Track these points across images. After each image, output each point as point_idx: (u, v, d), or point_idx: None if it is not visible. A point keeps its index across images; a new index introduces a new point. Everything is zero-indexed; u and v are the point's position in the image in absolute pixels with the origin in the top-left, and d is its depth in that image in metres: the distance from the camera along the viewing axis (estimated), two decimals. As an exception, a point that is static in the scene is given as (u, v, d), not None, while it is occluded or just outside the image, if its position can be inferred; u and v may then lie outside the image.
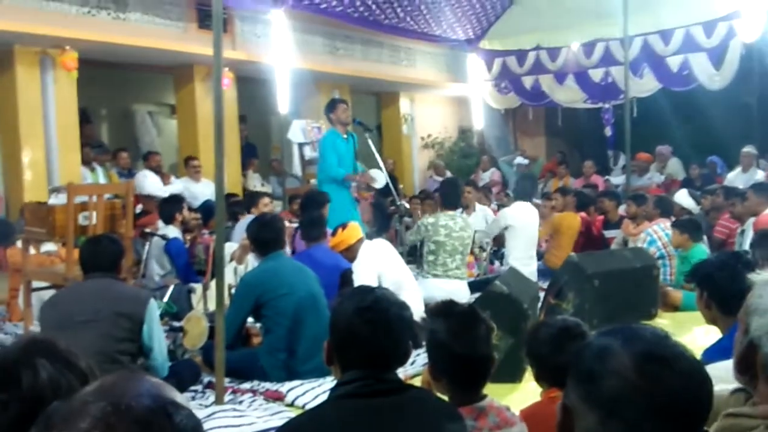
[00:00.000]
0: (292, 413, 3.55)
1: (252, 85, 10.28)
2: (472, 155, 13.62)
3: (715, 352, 2.36)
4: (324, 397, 2.09)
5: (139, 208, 7.62)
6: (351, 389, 1.87)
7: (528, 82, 12.71)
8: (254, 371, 4.35)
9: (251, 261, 5.67)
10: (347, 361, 1.93)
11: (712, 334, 2.97)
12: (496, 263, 7.69)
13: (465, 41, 12.34)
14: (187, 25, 8.96)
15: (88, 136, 9.11)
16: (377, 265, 5.07)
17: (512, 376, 4.05)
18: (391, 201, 9.60)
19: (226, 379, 4.03)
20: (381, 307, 1.94)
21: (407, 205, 8.81)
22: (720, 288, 2.72)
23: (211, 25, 4.01)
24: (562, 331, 2.41)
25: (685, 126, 12.81)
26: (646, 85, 11.44)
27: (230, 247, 5.91)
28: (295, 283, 4.40)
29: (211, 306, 5.21)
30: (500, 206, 7.75)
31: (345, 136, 7.06)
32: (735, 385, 1.53)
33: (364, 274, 4.94)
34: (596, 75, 12.04)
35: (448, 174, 12.48)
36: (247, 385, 4.28)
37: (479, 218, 8.44)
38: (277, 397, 4.08)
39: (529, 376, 2.97)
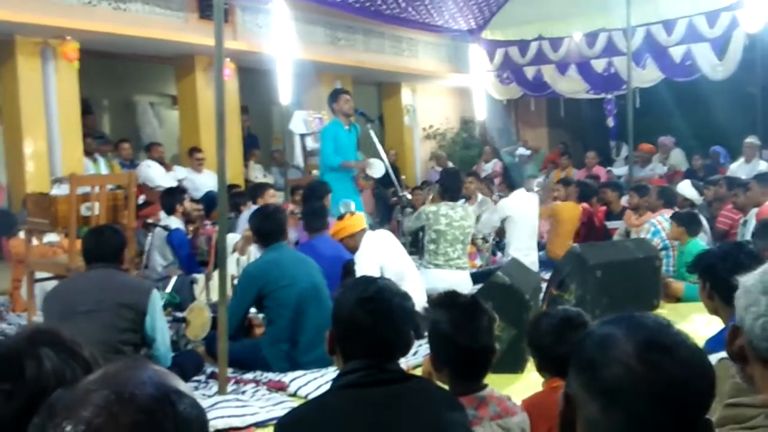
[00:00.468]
0: (295, 403, 3.55)
1: (253, 76, 10.26)
2: (474, 146, 13.60)
3: (717, 343, 2.35)
4: (326, 387, 2.10)
5: (141, 198, 7.63)
6: (353, 379, 1.87)
7: (530, 72, 12.67)
8: (257, 362, 4.36)
9: (254, 252, 5.67)
10: (349, 351, 1.94)
11: (714, 324, 2.97)
12: (499, 254, 7.69)
13: (467, 31, 12.30)
14: (188, 15, 8.94)
15: (90, 127, 9.11)
16: (379, 255, 5.07)
17: (514, 366, 4.06)
18: (393, 192, 9.59)
19: (229, 370, 4.04)
20: (383, 298, 1.95)
21: (409, 196, 8.80)
22: (722, 278, 2.72)
23: (212, 16, 4.00)
24: (563, 321, 2.42)
25: (688, 116, 12.78)
26: (648, 75, 11.41)
27: (233, 238, 5.92)
28: (298, 274, 4.41)
29: (214, 297, 5.21)
30: (502, 197, 7.72)
31: (347, 126, 7.05)
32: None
33: (365, 265, 4.94)
34: (599, 65, 12.00)
35: (450, 165, 12.48)
36: (249, 376, 4.29)
37: (481, 209, 8.44)
38: (280, 388, 4.10)
39: (531, 366, 2.97)
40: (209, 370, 4.33)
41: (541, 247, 7.48)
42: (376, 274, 4.80)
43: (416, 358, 4.45)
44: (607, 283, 4.95)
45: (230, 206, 6.86)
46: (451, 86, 13.75)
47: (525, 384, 3.63)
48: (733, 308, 1.81)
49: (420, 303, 4.88)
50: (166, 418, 0.91)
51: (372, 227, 5.61)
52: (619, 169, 11.68)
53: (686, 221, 6.03)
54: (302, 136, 8.88)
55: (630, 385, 1.09)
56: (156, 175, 8.29)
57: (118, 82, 10.63)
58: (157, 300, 3.78)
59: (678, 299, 5.79)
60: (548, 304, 4.80)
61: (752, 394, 1.41)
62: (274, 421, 3.35)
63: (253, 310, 4.67)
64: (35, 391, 1.20)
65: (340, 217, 5.39)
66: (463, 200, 8.84)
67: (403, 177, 10.24)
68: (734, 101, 12.00)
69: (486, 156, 12.89)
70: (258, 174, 10.56)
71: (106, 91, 10.85)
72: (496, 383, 2.28)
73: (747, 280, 1.44)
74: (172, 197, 6.50)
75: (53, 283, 4.66)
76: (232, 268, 5.39)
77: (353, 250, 5.16)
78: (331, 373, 4.03)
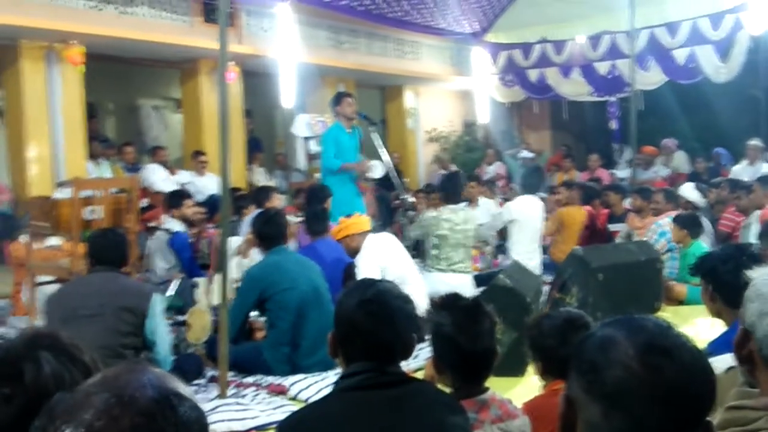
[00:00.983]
0: (296, 407, 3.56)
1: (257, 79, 10.27)
2: (477, 149, 13.60)
3: (720, 345, 2.35)
4: (327, 390, 2.10)
5: (144, 202, 7.64)
6: (354, 382, 1.87)
7: (533, 75, 12.67)
8: (258, 365, 4.36)
9: (255, 255, 5.68)
10: (351, 353, 1.94)
11: (717, 327, 2.96)
12: (501, 257, 7.68)
13: (470, 34, 12.30)
14: (193, 19, 8.96)
15: (94, 131, 9.13)
16: (381, 258, 5.07)
17: (515, 369, 4.05)
18: (395, 195, 9.59)
19: (230, 373, 4.04)
20: (384, 300, 1.94)
21: (412, 199, 8.80)
22: (725, 281, 2.72)
23: (217, 19, 4.01)
24: (566, 322, 2.41)
25: (691, 119, 12.76)
26: (652, 77, 11.39)
27: (236, 242, 5.92)
28: (299, 278, 4.41)
29: (215, 300, 5.22)
30: (505, 200, 7.72)
31: (349, 129, 7.05)
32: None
33: (367, 268, 4.93)
34: (602, 68, 11.99)
35: (453, 168, 12.48)
36: (250, 379, 4.29)
37: (484, 212, 8.43)
38: (281, 391, 4.09)
39: (532, 369, 2.96)
40: (210, 373, 4.33)
41: (544, 250, 7.47)
42: (378, 277, 4.80)
43: (417, 361, 4.44)
44: (609, 286, 4.94)
45: (233, 209, 6.86)
46: (454, 89, 13.75)
47: (526, 387, 3.61)
48: (735, 310, 1.80)
49: (422, 306, 4.89)
50: (167, 421, 0.91)
51: (374, 230, 5.60)
52: (622, 172, 11.66)
53: (688, 224, 6.02)
54: (305, 139, 8.90)
55: (631, 387, 1.09)
56: (159, 179, 8.30)
57: (122, 85, 10.66)
58: (157, 304, 3.78)
59: (680, 302, 5.77)
60: (550, 307, 4.79)
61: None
62: (275, 425, 3.36)
63: (254, 313, 4.67)
64: (34, 395, 1.20)
65: (348, 216, 5.37)
66: (464, 203, 8.85)
67: (405, 180, 10.24)
68: (737, 104, 11.98)
69: (489, 159, 12.88)
70: (261, 177, 10.56)
71: (111, 94, 10.87)
72: (497, 386, 2.28)
73: (761, 286, 1.43)
74: (171, 201, 6.51)
75: (55, 287, 4.66)
76: (234, 271, 5.39)
77: (351, 251, 5.14)
78: (333, 376, 4.03)
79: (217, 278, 4.62)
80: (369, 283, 2.08)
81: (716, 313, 2.83)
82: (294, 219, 6.46)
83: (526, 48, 12.25)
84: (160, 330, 3.77)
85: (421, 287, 5.21)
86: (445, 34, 12.14)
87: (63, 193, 5.19)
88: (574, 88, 12.45)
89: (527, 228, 6.87)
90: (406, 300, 2.02)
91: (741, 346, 1.45)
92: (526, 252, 6.72)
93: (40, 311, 4.91)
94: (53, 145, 7.96)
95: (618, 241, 7.39)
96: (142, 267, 6.02)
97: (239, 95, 9.74)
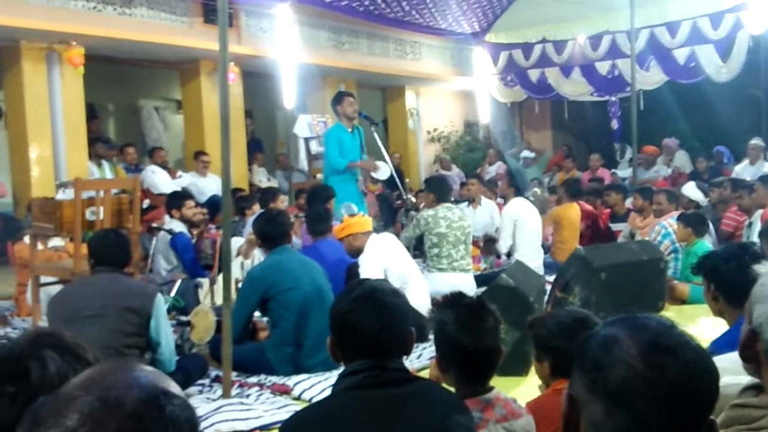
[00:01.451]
0: (299, 407, 3.56)
1: (258, 80, 10.28)
2: (478, 149, 13.60)
3: (723, 344, 2.35)
4: (330, 390, 2.10)
5: (146, 203, 7.64)
6: (356, 381, 1.87)
7: (534, 75, 12.67)
8: (261, 365, 4.36)
9: (258, 256, 5.68)
10: (348, 352, 1.95)
11: (719, 326, 2.96)
12: (503, 257, 7.68)
13: (471, 34, 12.30)
14: (192, 20, 8.97)
15: (95, 132, 9.14)
16: (383, 259, 5.06)
17: (518, 369, 4.05)
18: (397, 195, 9.60)
19: (233, 373, 4.04)
20: (373, 296, 1.96)
21: (414, 199, 8.80)
22: (727, 280, 2.71)
23: (217, 20, 4.01)
24: (577, 322, 2.39)
25: (692, 119, 12.76)
26: (652, 77, 11.39)
27: (238, 242, 5.93)
28: (302, 278, 4.41)
29: (218, 300, 5.22)
30: (506, 200, 7.71)
31: (351, 129, 7.05)
32: (744, 377, 1.53)
33: (370, 268, 4.93)
34: (603, 68, 11.99)
35: (455, 168, 12.48)
36: (254, 379, 4.30)
37: (485, 212, 8.43)
38: (284, 391, 4.10)
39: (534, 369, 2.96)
40: (213, 373, 4.34)
41: (545, 250, 7.47)
42: (380, 277, 4.80)
43: (421, 360, 4.46)
44: (611, 286, 4.94)
45: (234, 210, 6.87)
46: (455, 89, 13.75)
47: (529, 387, 3.62)
48: (738, 309, 1.81)
49: (424, 306, 4.89)
50: (155, 422, 0.87)
51: (376, 230, 5.60)
52: (624, 172, 11.67)
53: (693, 222, 6.01)
54: (306, 139, 8.90)
55: (634, 386, 1.09)
56: (160, 182, 8.30)
57: (123, 86, 10.67)
58: (161, 304, 3.78)
59: (683, 301, 5.77)
60: (553, 307, 4.79)
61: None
62: (279, 425, 3.38)
63: (257, 313, 4.67)
64: (40, 393, 1.21)
65: (352, 215, 5.37)
66: (466, 203, 8.85)
67: (407, 180, 10.24)
68: (738, 103, 11.98)
69: (490, 159, 12.88)
70: (262, 178, 10.57)
71: (111, 95, 10.89)
72: (500, 386, 2.28)
73: (763, 291, 1.43)
74: (172, 202, 6.51)
75: (58, 288, 4.66)
76: (237, 271, 5.39)
77: (352, 251, 5.14)
78: (336, 376, 4.02)
79: (220, 279, 4.62)
80: (358, 282, 2.11)
81: (718, 312, 2.83)
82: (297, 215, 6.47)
83: (526, 48, 12.25)
84: (165, 330, 3.78)
85: (423, 287, 5.21)
86: (446, 35, 12.15)
87: (65, 194, 5.19)
88: (575, 88, 12.45)
89: (527, 229, 6.87)
90: (396, 294, 2.03)
91: (747, 347, 1.45)
92: (530, 252, 6.71)
93: (44, 312, 4.92)
94: (54, 146, 7.97)
95: (620, 240, 7.39)
96: (145, 268, 6.02)
97: (240, 96, 9.75)
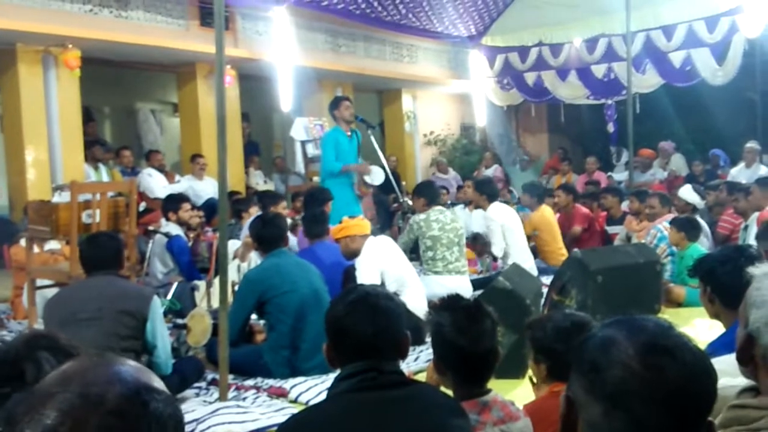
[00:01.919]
0: (296, 410, 3.55)
1: (254, 83, 10.28)
2: (475, 152, 13.61)
3: (719, 346, 2.35)
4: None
5: (142, 205, 7.63)
6: (353, 384, 1.87)
7: (530, 78, 12.69)
8: (258, 368, 4.36)
9: (254, 258, 5.67)
10: (343, 356, 1.95)
11: (716, 329, 2.96)
12: (499, 261, 7.68)
13: (467, 38, 12.32)
14: (189, 23, 8.97)
15: (91, 135, 9.13)
16: (380, 262, 5.06)
17: (515, 372, 4.05)
18: (393, 198, 9.59)
19: (230, 376, 4.03)
20: (365, 299, 1.97)
21: (410, 202, 8.79)
22: (723, 282, 2.72)
23: (213, 23, 4.01)
24: (574, 326, 2.39)
25: (688, 122, 12.80)
26: (648, 80, 11.42)
27: (234, 245, 5.92)
28: (298, 280, 4.41)
29: (215, 303, 5.21)
30: (505, 203, 7.71)
31: (348, 133, 7.06)
32: (741, 379, 1.53)
33: (366, 271, 4.94)
34: (599, 71, 12.02)
35: (451, 171, 12.49)
36: (250, 382, 4.29)
37: (480, 215, 8.42)
38: (281, 394, 4.09)
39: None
40: (210, 376, 4.33)
41: (534, 254, 7.44)
42: (377, 280, 4.81)
43: (417, 363, 4.45)
44: (608, 288, 4.94)
45: (231, 213, 6.86)
46: (452, 92, 13.77)
47: (526, 389, 3.61)
48: (734, 312, 1.80)
49: (421, 309, 4.89)
50: (139, 419, 0.83)
51: (373, 233, 5.61)
52: (620, 175, 11.69)
53: (686, 226, 6.02)
54: (303, 142, 8.90)
55: (632, 387, 1.09)
56: (156, 185, 8.29)
57: (119, 89, 10.66)
58: (157, 307, 3.78)
59: (679, 304, 5.78)
60: (549, 309, 4.78)
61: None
62: (275, 428, 3.37)
63: (254, 316, 4.67)
64: None
65: (351, 217, 5.36)
66: (462, 205, 8.85)
67: (403, 183, 10.25)
68: (734, 106, 12.02)
69: (486, 162, 12.90)
70: (259, 180, 10.57)
71: (108, 98, 10.87)
72: (497, 388, 2.27)
73: (759, 295, 1.43)
74: (168, 205, 6.50)
75: (54, 291, 4.66)
76: (233, 274, 5.38)
77: (349, 253, 5.13)
78: (332, 379, 4.02)
79: (216, 281, 4.61)
80: (352, 288, 2.12)
81: (715, 315, 2.83)
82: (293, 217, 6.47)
83: (522, 51, 12.27)
84: (161, 333, 3.77)
85: (420, 290, 5.21)
86: (442, 38, 12.17)
87: (61, 197, 5.18)
88: (571, 91, 12.47)
89: (512, 233, 6.84)
90: (389, 297, 2.03)
91: (744, 351, 1.45)
92: (519, 256, 6.70)
93: (40, 315, 4.91)
94: (51, 149, 7.96)
95: (616, 243, 7.39)
96: (141, 271, 6.01)
97: (236, 99, 9.75)
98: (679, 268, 6.04)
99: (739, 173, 9.45)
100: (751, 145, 9.72)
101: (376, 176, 7.15)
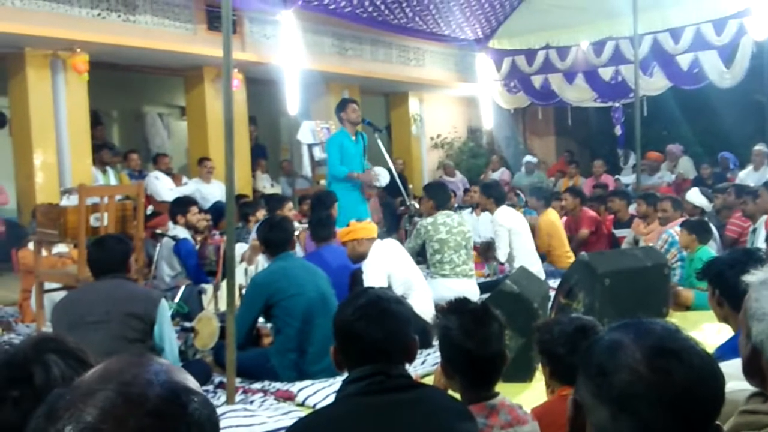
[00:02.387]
0: (303, 413, 3.54)
1: (261, 87, 10.31)
2: (482, 155, 13.61)
3: (728, 350, 2.34)
4: (335, 397, 2.10)
5: (150, 209, 7.66)
6: (360, 387, 1.87)
7: (537, 81, 12.68)
8: (265, 371, 4.36)
9: (261, 262, 5.68)
10: (351, 360, 1.96)
11: (724, 332, 2.95)
12: (506, 264, 7.67)
13: (474, 41, 12.32)
14: (196, 26, 9.00)
15: (99, 138, 9.17)
16: (387, 265, 5.06)
17: (523, 375, 4.04)
18: (400, 201, 9.59)
19: (237, 379, 4.03)
20: (375, 303, 1.97)
21: (417, 206, 8.79)
22: (731, 285, 2.70)
23: (221, 27, 4.02)
24: (577, 330, 2.39)
25: (696, 124, 12.76)
26: (656, 83, 11.40)
27: (241, 248, 5.93)
28: (306, 284, 4.41)
29: (222, 306, 5.22)
30: (512, 206, 7.71)
31: (354, 136, 7.07)
32: (749, 385, 1.52)
33: (373, 274, 4.93)
34: (606, 74, 12.00)
35: (458, 174, 12.49)
36: (257, 385, 4.29)
37: (488, 219, 8.41)
38: (288, 397, 4.09)
39: (539, 375, 2.96)
40: (217, 379, 4.33)
41: (542, 258, 7.43)
42: (384, 284, 4.80)
43: (425, 367, 4.45)
44: (615, 292, 4.92)
45: (238, 216, 6.88)
46: (459, 95, 13.77)
47: (534, 393, 3.61)
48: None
49: (428, 313, 4.88)
50: (177, 420, 0.84)
51: (379, 236, 5.61)
52: (627, 178, 11.66)
53: (697, 229, 5.99)
54: (310, 146, 8.90)
55: (639, 390, 1.09)
56: (163, 189, 8.31)
57: (127, 93, 10.70)
58: (165, 310, 3.78)
59: (687, 308, 5.75)
60: (557, 313, 4.77)
61: None
62: (282, 431, 3.37)
63: (261, 319, 4.67)
64: (44, 397, 1.21)
65: (359, 221, 5.37)
66: (469, 209, 8.84)
67: (410, 186, 10.24)
68: (742, 109, 11.98)
69: (493, 165, 12.89)
70: (266, 184, 10.58)
71: (116, 102, 10.92)
72: (504, 392, 2.27)
73: (759, 308, 1.42)
74: (176, 208, 6.52)
75: (62, 294, 4.67)
76: (240, 278, 5.39)
77: (355, 256, 5.13)
78: (339, 383, 4.01)
79: (224, 285, 4.62)
80: (361, 291, 2.12)
81: (723, 318, 2.82)
82: (300, 226, 6.47)
83: (529, 54, 12.27)
84: (168, 336, 3.77)
85: (427, 293, 5.20)
86: (449, 41, 12.17)
87: (69, 201, 5.21)
88: (578, 94, 12.46)
89: (520, 237, 6.83)
90: (399, 301, 2.04)
91: (751, 363, 1.44)
92: (527, 259, 6.69)
93: (48, 318, 4.92)
94: (59, 153, 7.99)
95: (624, 246, 7.37)
96: (148, 274, 6.02)
97: (244, 102, 9.78)
98: (688, 271, 6.01)
99: (748, 176, 9.42)
100: (760, 147, 9.68)
101: (381, 178, 7.15)
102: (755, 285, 1.49)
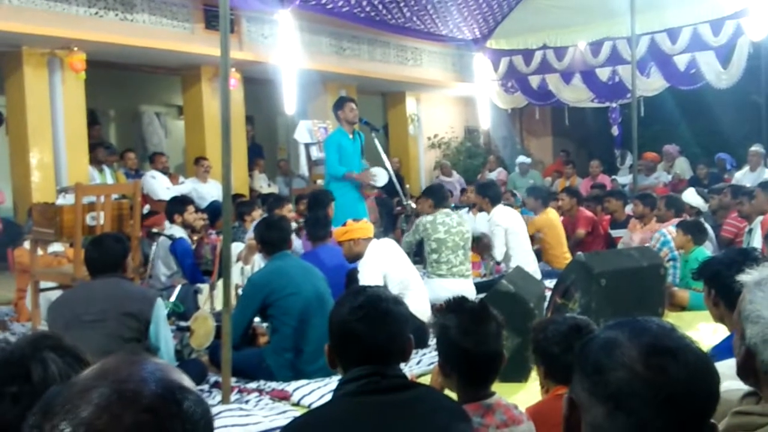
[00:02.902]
0: (298, 413, 3.54)
1: (259, 86, 10.30)
2: (479, 155, 13.62)
3: (723, 350, 2.35)
4: (330, 396, 2.10)
5: (146, 208, 7.65)
6: (356, 387, 1.87)
7: (535, 81, 12.69)
8: (261, 371, 4.36)
9: (258, 261, 5.67)
10: (347, 360, 1.95)
11: (720, 332, 2.96)
12: (503, 264, 7.67)
13: (471, 41, 12.33)
14: (194, 26, 8.99)
15: (96, 137, 9.15)
16: (383, 264, 5.06)
17: (519, 375, 4.04)
18: (397, 201, 9.59)
19: (233, 379, 4.03)
20: (373, 303, 1.96)
21: (414, 205, 8.79)
22: (728, 285, 2.70)
23: (218, 26, 4.02)
24: (572, 329, 2.40)
25: (693, 125, 12.78)
26: (653, 84, 11.41)
27: (238, 248, 5.92)
28: (302, 283, 4.41)
29: (218, 306, 5.22)
30: (509, 206, 7.71)
31: (351, 135, 7.07)
32: (743, 384, 1.53)
33: (369, 274, 4.93)
34: (603, 74, 12.02)
35: (455, 174, 12.49)
36: (253, 385, 4.28)
37: (484, 218, 8.42)
38: (284, 397, 4.09)
39: (535, 375, 2.96)
40: (213, 379, 4.33)
41: (538, 257, 7.43)
42: (380, 283, 4.80)
43: (420, 366, 4.45)
44: (611, 292, 4.93)
45: (235, 216, 6.87)
46: (456, 95, 13.77)
47: (529, 393, 3.61)
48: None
49: (425, 312, 4.89)
50: (172, 417, 0.86)
51: (376, 236, 5.61)
52: (624, 178, 11.67)
53: (693, 230, 6.00)
54: (307, 145, 8.90)
55: (635, 389, 1.09)
56: (159, 188, 8.30)
57: (124, 92, 10.69)
58: (161, 309, 3.78)
59: (683, 308, 5.76)
60: (553, 313, 4.78)
61: None
62: (278, 431, 3.37)
63: (257, 319, 4.67)
64: (41, 394, 1.21)
65: (356, 220, 5.37)
66: (466, 209, 8.84)
67: (407, 186, 10.24)
68: (739, 109, 12.00)
69: (490, 165, 12.90)
70: (263, 183, 10.58)
71: (113, 101, 10.91)
72: (500, 392, 2.27)
73: (762, 308, 1.42)
74: (173, 207, 6.51)
75: (58, 293, 4.66)
76: (237, 277, 5.39)
77: (351, 256, 5.13)
78: (335, 382, 4.01)
79: (220, 284, 4.62)
80: (358, 289, 2.10)
81: (719, 318, 2.82)
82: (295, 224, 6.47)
83: (527, 54, 12.28)
84: (164, 335, 3.77)
85: (423, 293, 5.20)
86: (447, 41, 12.17)
87: (66, 199, 5.19)
88: (576, 95, 12.47)
89: (516, 236, 6.84)
90: (396, 301, 2.02)
91: (745, 365, 1.45)
92: (523, 259, 6.69)
93: (43, 317, 4.92)
94: (55, 152, 7.99)
95: (620, 247, 7.38)
96: (144, 273, 6.02)
97: (241, 102, 9.77)
98: (683, 272, 6.03)
99: (744, 177, 9.44)
100: (756, 148, 9.70)
101: (380, 178, 7.15)
102: (749, 286, 1.49)
